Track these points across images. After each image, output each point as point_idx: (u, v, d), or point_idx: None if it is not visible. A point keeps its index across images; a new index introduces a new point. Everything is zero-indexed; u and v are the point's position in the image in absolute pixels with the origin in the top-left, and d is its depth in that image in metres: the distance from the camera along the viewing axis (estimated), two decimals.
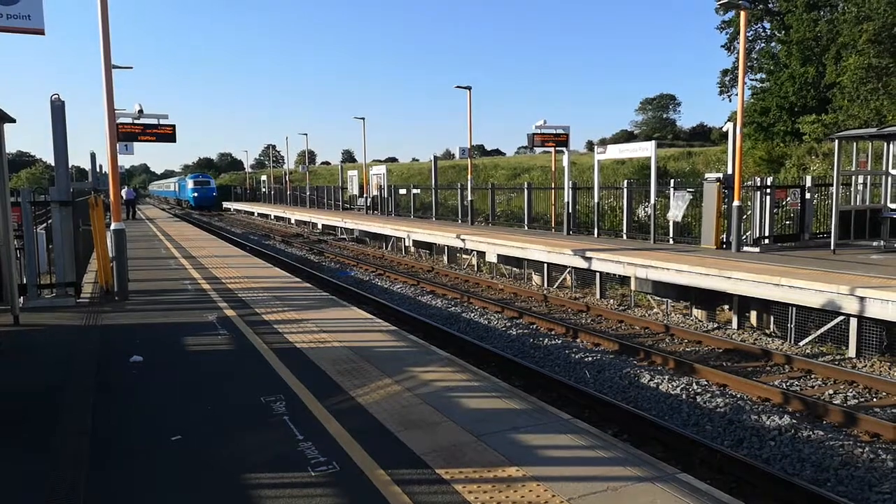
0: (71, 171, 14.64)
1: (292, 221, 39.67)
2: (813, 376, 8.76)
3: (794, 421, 7.06)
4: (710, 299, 11.83)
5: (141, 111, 14.14)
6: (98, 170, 29.90)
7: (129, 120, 14.19)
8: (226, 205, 64.69)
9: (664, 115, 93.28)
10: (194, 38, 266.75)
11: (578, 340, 10.66)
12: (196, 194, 60.92)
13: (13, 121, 8.31)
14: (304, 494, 3.89)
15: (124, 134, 13.96)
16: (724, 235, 14.65)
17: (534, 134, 19.61)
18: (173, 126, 14.48)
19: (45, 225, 12.21)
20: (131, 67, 19.72)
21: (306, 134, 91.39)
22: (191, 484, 4.10)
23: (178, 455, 4.51)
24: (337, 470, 4.19)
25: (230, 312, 9.23)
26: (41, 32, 8.64)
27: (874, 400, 7.88)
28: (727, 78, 42.37)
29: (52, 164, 10.35)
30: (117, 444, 4.70)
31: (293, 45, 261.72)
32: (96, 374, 6.40)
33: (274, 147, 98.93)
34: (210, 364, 6.79)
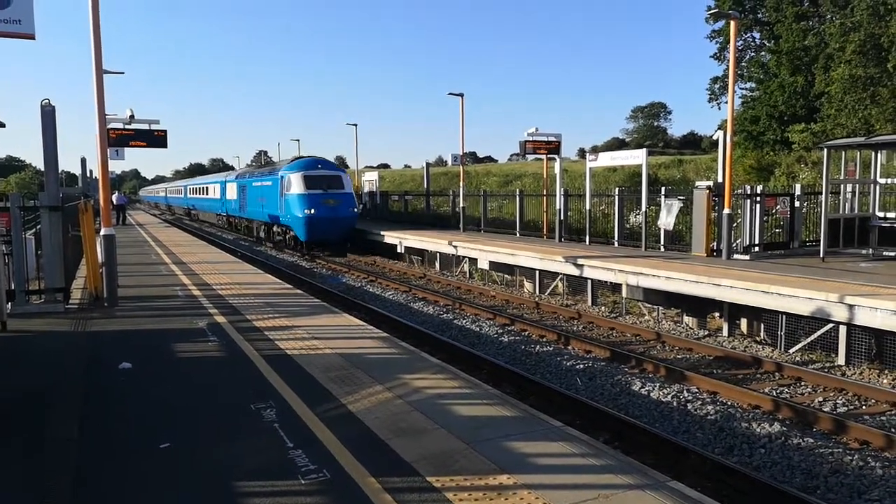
0: (61, 176, 14.57)
1: None
2: (803, 384, 8.80)
3: (785, 428, 7.08)
4: (700, 307, 11.88)
5: (132, 116, 14.12)
6: (88, 175, 29.82)
7: (120, 125, 14.16)
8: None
9: (655, 124, 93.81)
10: (184, 43, 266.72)
11: (570, 347, 10.67)
12: (312, 211, 23.70)
13: (2, 125, 8.27)
14: (295, 502, 3.86)
15: (115, 139, 13.93)
16: (715, 243, 14.73)
17: (526, 141, 19.67)
18: (165, 131, 14.46)
19: (34, 230, 12.12)
20: (123, 73, 19.71)
21: (298, 140, 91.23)
22: (179, 492, 4.06)
23: (166, 463, 4.47)
24: (327, 478, 4.17)
25: (220, 319, 9.18)
26: (31, 37, 8.60)
27: (863, 407, 7.91)
28: (717, 86, 42.67)
29: (42, 168, 10.28)
30: (105, 452, 4.66)
31: (284, 52, 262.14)
32: (84, 381, 6.34)
33: (266, 153, 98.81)
34: (200, 371, 6.74)
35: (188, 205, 54.50)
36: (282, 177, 25.21)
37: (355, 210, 25.16)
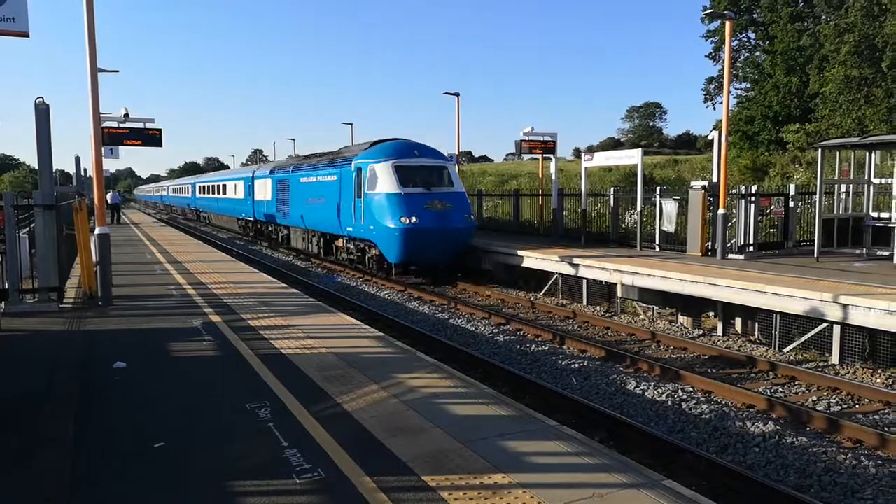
0: (55, 174, 14.52)
1: None
2: (797, 383, 8.83)
3: (778, 427, 7.10)
4: (695, 306, 11.91)
5: (127, 115, 14.09)
6: (83, 173, 29.68)
7: (115, 123, 14.12)
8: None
9: (650, 123, 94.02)
10: (181, 42, 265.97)
11: (565, 347, 10.68)
12: (413, 220, 15.81)
13: None
14: (289, 502, 3.86)
15: (110, 137, 13.91)
16: (710, 243, 14.76)
17: (521, 141, 19.70)
18: (159, 130, 14.45)
19: (28, 229, 12.07)
20: (118, 71, 19.66)
21: (294, 139, 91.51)
22: (174, 492, 4.05)
23: (161, 462, 4.46)
24: (322, 477, 4.16)
25: (215, 318, 9.17)
26: (25, 35, 8.58)
27: (857, 406, 7.95)
28: (712, 86, 42.78)
29: (36, 167, 10.24)
30: (99, 452, 4.65)
31: (279, 50, 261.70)
32: (79, 381, 6.32)
33: (261, 152, 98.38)
34: (194, 370, 6.73)
35: (196, 206, 46.72)
36: (357, 168, 17.53)
37: (471, 218, 17.32)
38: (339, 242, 20.08)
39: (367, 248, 18.04)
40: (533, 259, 15.64)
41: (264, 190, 27.67)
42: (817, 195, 13.55)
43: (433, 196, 16.41)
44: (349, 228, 18.30)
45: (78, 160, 29.21)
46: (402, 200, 16.05)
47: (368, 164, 17.09)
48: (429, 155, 17.71)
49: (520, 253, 16.11)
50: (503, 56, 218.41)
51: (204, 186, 43.57)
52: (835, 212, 14.58)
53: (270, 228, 28.29)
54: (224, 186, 36.32)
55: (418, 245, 16.03)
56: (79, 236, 11.26)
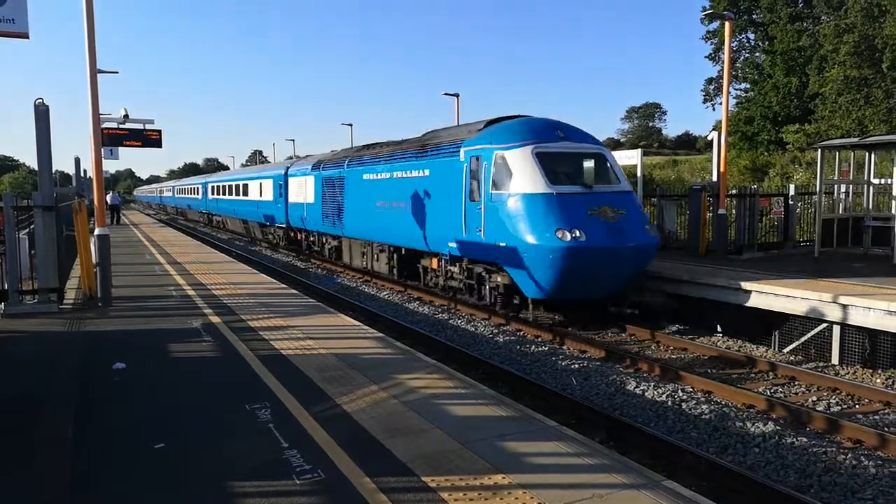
0: (55, 175, 14.52)
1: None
2: (796, 383, 8.82)
3: (778, 427, 7.10)
4: (696, 306, 11.89)
5: (126, 116, 14.09)
6: (82, 175, 29.69)
7: (115, 124, 14.12)
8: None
9: (650, 124, 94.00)
10: (179, 43, 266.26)
11: (565, 347, 10.68)
12: (577, 235, 10.44)
13: None
14: (290, 503, 3.86)
15: (109, 138, 13.90)
16: (710, 243, 14.77)
17: None
18: (159, 131, 14.44)
19: (28, 230, 12.07)
20: (117, 72, 19.65)
21: (293, 140, 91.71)
22: (174, 493, 4.05)
23: (161, 463, 4.46)
24: (322, 478, 4.16)
25: (215, 319, 9.17)
26: (25, 36, 8.59)
27: (856, 406, 7.95)
28: (712, 87, 42.81)
29: (36, 168, 10.24)
30: (100, 453, 4.64)
31: (279, 51, 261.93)
32: (79, 381, 6.32)
33: (261, 153, 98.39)
34: (194, 371, 6.73)
35: (208, 209, 41.88)
36: (472, 158, 12.43)
37: (651, 231, 11.72)
38: (432, 262, 14.72)
39: (486, 273, 12.79)
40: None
41: (304, 190, 22.54)
42: (817, 195, 13.58)
43: (598, 198, 11.23)
44: (452, 244, 13.22)
45: (77, 161, 29.25)
46: (556, 205, 10.91)
47: (493, 152, 11.81)
48: (577, 137, 12.29)
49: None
50: (501, 56, 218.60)
51: (219, 186, 37.25)
52: (834, 212, 14.61)
53: (312, 238, 22.99)
54: (245, 186, 30.70)
55: (581, 272, 10.76)
56: (78, 237, 11.26)
